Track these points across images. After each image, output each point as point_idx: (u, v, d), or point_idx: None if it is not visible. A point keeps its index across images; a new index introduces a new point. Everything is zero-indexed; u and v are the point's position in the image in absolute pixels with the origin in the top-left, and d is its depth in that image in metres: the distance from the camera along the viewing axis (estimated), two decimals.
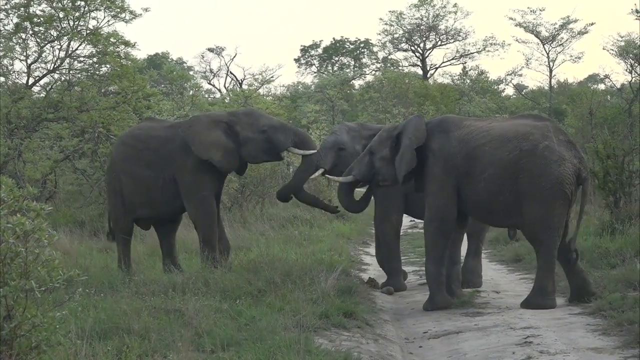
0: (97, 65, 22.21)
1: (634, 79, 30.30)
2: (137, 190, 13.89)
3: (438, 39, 58.67)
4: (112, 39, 21.96)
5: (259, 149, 13.89)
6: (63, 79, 22.37)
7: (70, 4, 21.49)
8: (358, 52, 65.93)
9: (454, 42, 58.51)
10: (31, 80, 21.98)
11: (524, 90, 54.45)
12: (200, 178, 13.68)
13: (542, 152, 11.95)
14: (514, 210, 12.14)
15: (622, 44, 31.87)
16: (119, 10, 22.00)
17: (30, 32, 21.50)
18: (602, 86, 45.48)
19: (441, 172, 12.55)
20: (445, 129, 12.73)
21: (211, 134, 13.77)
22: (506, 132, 12.30)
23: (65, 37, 21.48)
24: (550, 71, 47.66)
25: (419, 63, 59.74)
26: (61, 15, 21.45)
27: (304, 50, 66.82)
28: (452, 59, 58.46)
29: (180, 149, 13.78)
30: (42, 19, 21.37)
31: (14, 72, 22.35)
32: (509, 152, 12.09)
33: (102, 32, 21.76)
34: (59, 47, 21.70)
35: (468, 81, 52.65)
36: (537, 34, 46.82)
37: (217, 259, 13.50)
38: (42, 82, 22.35)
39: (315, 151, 14.01)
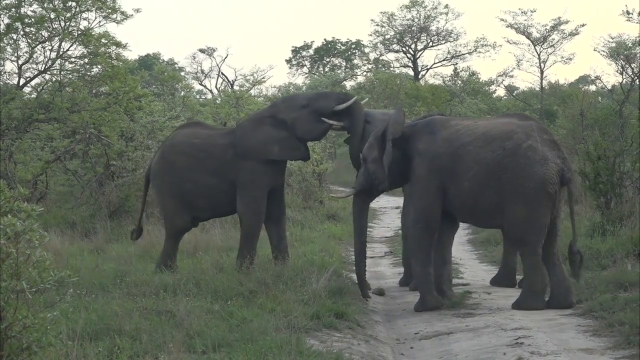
0: (88, 66, 22.21)
1: (624, 80, 30.38)
2: (202, 196, 14.20)
3: (429, 40, 58.63)
4: (103, 40, 21.95)
5: (309, 123, 14.07)
6: (54, 79, 22.38)
7: (61, 4, 21.48)
8: (349, 53, 65.82)
9: (445, 43, 58.51)
10: (22, 81, 21.97)
11: (515, 92, 54.40)
12: (256, 178, 13.99)
13: (525, 152, 11.95)
14: (499, 210, 12.17)
15: (613, 45, 31.90)
16: (110, 11, 22.00)
17: (21, 32, 21.49)
18: (593, 87, 45.48)
19: (426, 172, 12.59)
20: (432, 130, 12.76)
21: (259, 134, 14.07)
22: (490, 131, 12.32)
23: (57, 38, 21.48)
24: (542, 72, 47.64)
25: (410, 64, 59.70)
26: (52, 15, 21.44)
27: (295, 51, 66.70)
28: (444, 60, 58.44)
29: (239, 153, 14.11)
30: (33, 19, 21.35)
31: (4, 72, 22.37)
32: (493, 152, 12.11)
33: (93, 33, 21.75)
34: (50, 47, 21.72)
35: (459, 82, 52.64)
36: (528, 35, 46.76)
37: (251, 257, 13.80)
38: (33, 82, 22.35)
39: (355, 98, 14.09)
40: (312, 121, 14.03)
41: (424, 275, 12.62)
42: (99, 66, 22.09)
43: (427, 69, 59.52)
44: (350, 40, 65.86)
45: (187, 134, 14.57)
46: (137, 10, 22.83)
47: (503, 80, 53.97)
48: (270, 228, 14.42)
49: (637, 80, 29.69)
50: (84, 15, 21.88)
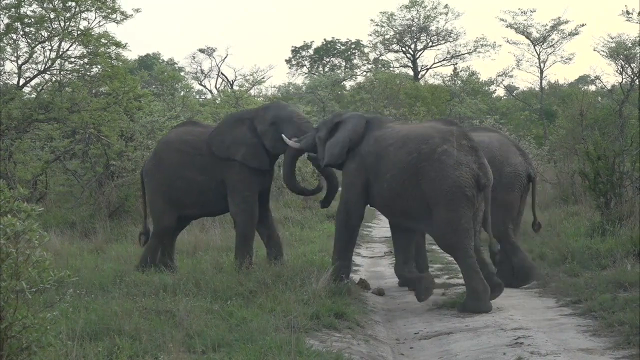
0: (88, 66, 22.22)
1: (624, 80, 30.31)
2: (190, 192, 14.31)
3: (429, 40, 58.65)
4: (103, 40, 21.96)
5: (273, 141, 14.17)
6: (54, 79, 22.37)
7: (61, 4, 21.48)
8: (349, 53, 65.82)
9: (444, 43, 58.55)
10: (22, 81, 21.96)
11: (515, 92, 54.41)
12: (245, 178, 14.10)
13: (439, 156, 12.13)
14: (421, 215, 12.34)
15: (613, 45, 31.81)
16: (110, 11, 22.00)
17: (21, 32, 21.49)
18: (592, 87, 45.44)
19: (355, 168, 13.11)
20: (370, 128, 13.29)
21: (234, 132, 14.23)
22: (410, 134, 12.65)
23: (56, 38, 21.47)
24: (541, 72, 47.58)
25: (410, 64, 59.73)
26: (52, 15, 21.44)
27: (295, 51, 66.70)
28: (443, 60, 58.48)
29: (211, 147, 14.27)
30: (33, 19, 21.36)
31: (4, 72, 22.37)
32: (408, 154, 12.37)
33: (93, 33, 21.76)
34: (49, 47, 21.73)
35: (459, 82, 52.61)
36: (527, 35, 46.70)
37: (250, 256, 13.94)
38: (32, 82, 22.36)
39: (296, 145, 14.03)
40: (276, 139, 14.13)
41: (340, 266, 13.18)
42: (99, 66, 22.11)
43: (427, 69, 59.58)
44: (350, 40, 65.92)
45: (180, 132, 14.75)
46: (137, 10, 22.89)
47: (503, 80, 53.96)
48: (259, 229, 14.48)
49: (637, 80, 29.63)
50: (84, 15, 21.91)
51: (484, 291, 12.04)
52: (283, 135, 13.97)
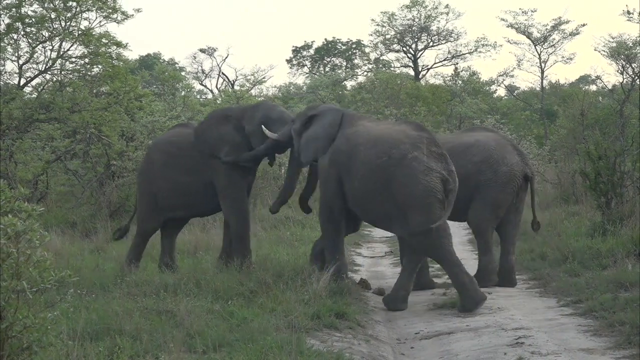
0: (88, 66, 22.20)
1: (625, 80, 30.32)
2: (177, 194, 14.28)
3: (430, 40, 58.51)
4: (103, 40, 21.96)
5: (262, 141, 14.04)
6: (55, 79, 22.36)
7: (62, 4, 21.47)
8: (350, 52, 65.67)
9: (445, 43, 58.40)
10: (23, 81, 21.95)
11: (516, 91, 54.34)
12: (234, 179, 14.05)
13: (410, 162, 12.20)
14: (394, 217, 12.36)
15: (614, 45, 31.81)
16: (110, 10, 21.99)
17: (22, 32, 21.48)
18: (593, 87, 45.43)
19: (327, 164, 13.14)
20: (343, 124, 13.31)
21: (220, 130, 14.19)
22: (381, 135, 12.70)
23: (57, 38, 21.47)
24: (542, 72, 47.47)
25: (410, 64, 59.58)
26: (53, 15, 21.43)
27: (296, 51, 66.55)
28: (444, 59, 58.31)
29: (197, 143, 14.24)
30: (33, 19, 21.35)
31: (5, 72, 22.36)
32: (378, 157, 12.45)
33: (93, 33, 21.75)
34: (50, 47, 21.72)
35: (460, 82, 52.50)
36: (528, 35, 46.63)
37: (249, 256, 13.97)
38: (33, 82, 22.33)
39: (274, 136, 13.96)
40: (264, 139, 14.03)
41: (340, 265, 13.11)
42: (100, 66, 22.09)
43: (428, 69, 59.43)
44: (351, 40, 65.79)
45: (171, 134, 14.90)
46: (138, 10, 22.84)
47: (504, 80, 53.87)
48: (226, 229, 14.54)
49: (638, 80, 29.64)
50: (85, 15, 21.90)
51: (471, 282, 12.09)
52: (263, 126, 13.92)
